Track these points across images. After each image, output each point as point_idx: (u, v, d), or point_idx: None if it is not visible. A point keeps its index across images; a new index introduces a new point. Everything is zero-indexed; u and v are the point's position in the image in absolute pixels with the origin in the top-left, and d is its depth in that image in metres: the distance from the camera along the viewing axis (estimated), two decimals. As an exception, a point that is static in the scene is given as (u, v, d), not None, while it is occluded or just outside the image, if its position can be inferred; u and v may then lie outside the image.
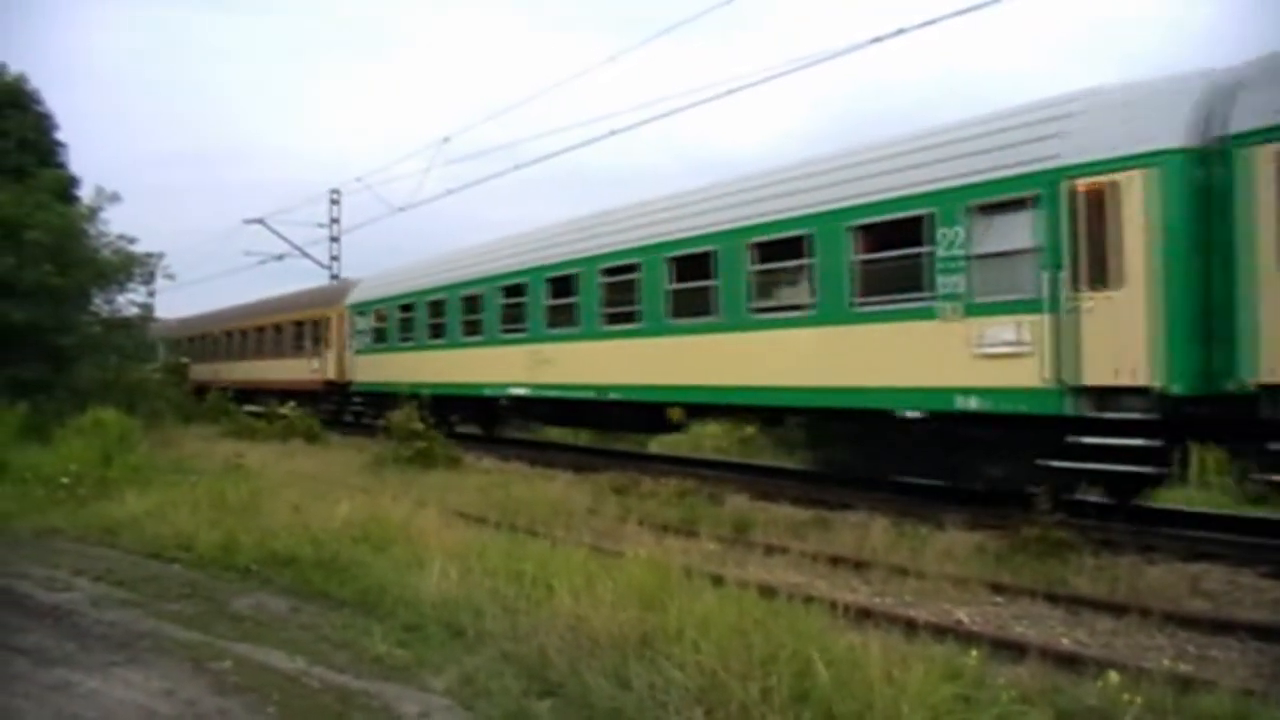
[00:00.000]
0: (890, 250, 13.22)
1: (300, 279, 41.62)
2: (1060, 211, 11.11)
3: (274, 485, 14.82)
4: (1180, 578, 9.59)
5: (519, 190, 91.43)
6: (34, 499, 14.03)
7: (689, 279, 16.59)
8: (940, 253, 12.38)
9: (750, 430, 19.68)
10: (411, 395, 22.08)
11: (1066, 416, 11.02)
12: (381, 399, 25.61)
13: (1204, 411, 10.15)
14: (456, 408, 23.85)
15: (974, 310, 12.03)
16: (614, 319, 18.43)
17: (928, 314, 12.55)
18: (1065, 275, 11.04)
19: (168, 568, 10.87)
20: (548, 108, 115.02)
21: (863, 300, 13.58)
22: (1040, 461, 11.35)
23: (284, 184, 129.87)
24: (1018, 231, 11.56)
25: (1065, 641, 7.92)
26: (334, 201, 39.92)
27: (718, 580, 8.36)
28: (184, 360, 39.60)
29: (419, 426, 19.36)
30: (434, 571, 9.04)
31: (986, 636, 7.52)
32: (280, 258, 41.28)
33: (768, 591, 8.14)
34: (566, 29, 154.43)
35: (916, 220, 12.64)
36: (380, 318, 27.63)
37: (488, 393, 21.99)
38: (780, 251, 14.91)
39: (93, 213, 22.34)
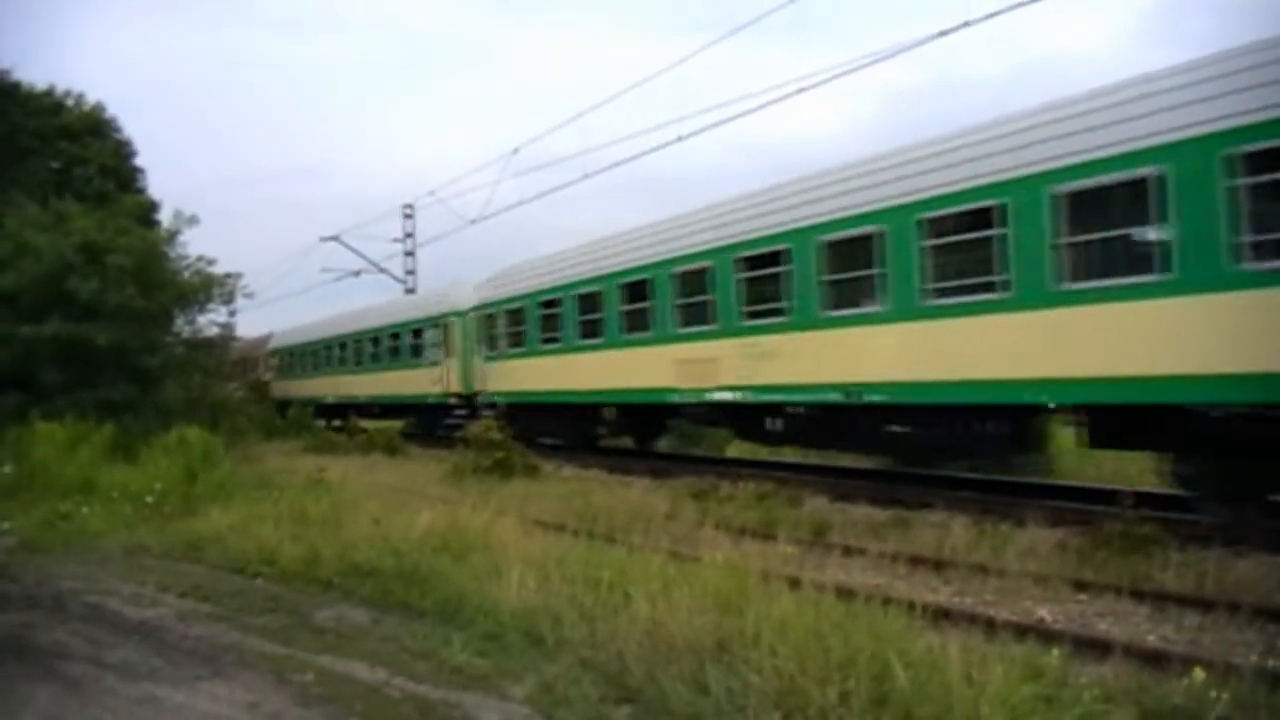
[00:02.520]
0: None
1: (377, 293, 42.16)
2: None
3: (355, 498, 14.98)
4: (1271, 570, 9.35)
5: (590, 197, 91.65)
6: (121, 516, 14.40)
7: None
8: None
9: None
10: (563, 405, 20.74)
11: None
12: (524, 411, 23.79)
13: None
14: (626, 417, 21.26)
15: None
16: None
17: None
18: None
19: (251, 582, 11.05)
20: (617, 114, 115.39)
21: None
22: None
23: (361, 201, 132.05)
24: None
25: (1150, 638, 7.78)
26: (407, 216, 40.48)
27: (794, 583, 8.38)
28: (265, 378, 40.35)
29: (496, 436, 19.47)
30: (513, 580, 9.08)
31: (1069, 635, 7.41)
32: (357, 274, 41.96)
33: (845, 593, 8.11)
34: (636, 33, 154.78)
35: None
36: (516, 317, 24.30)
37: (674, 399, 18.58)
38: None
39: (172, 236, 22.99)
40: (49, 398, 19.21)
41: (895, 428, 14.52)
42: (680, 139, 21.92)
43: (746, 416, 17.04)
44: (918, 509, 13.56)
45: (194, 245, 32.20)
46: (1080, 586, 9.23)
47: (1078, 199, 11.56)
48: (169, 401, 20.97)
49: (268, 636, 8.85)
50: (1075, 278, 11.62)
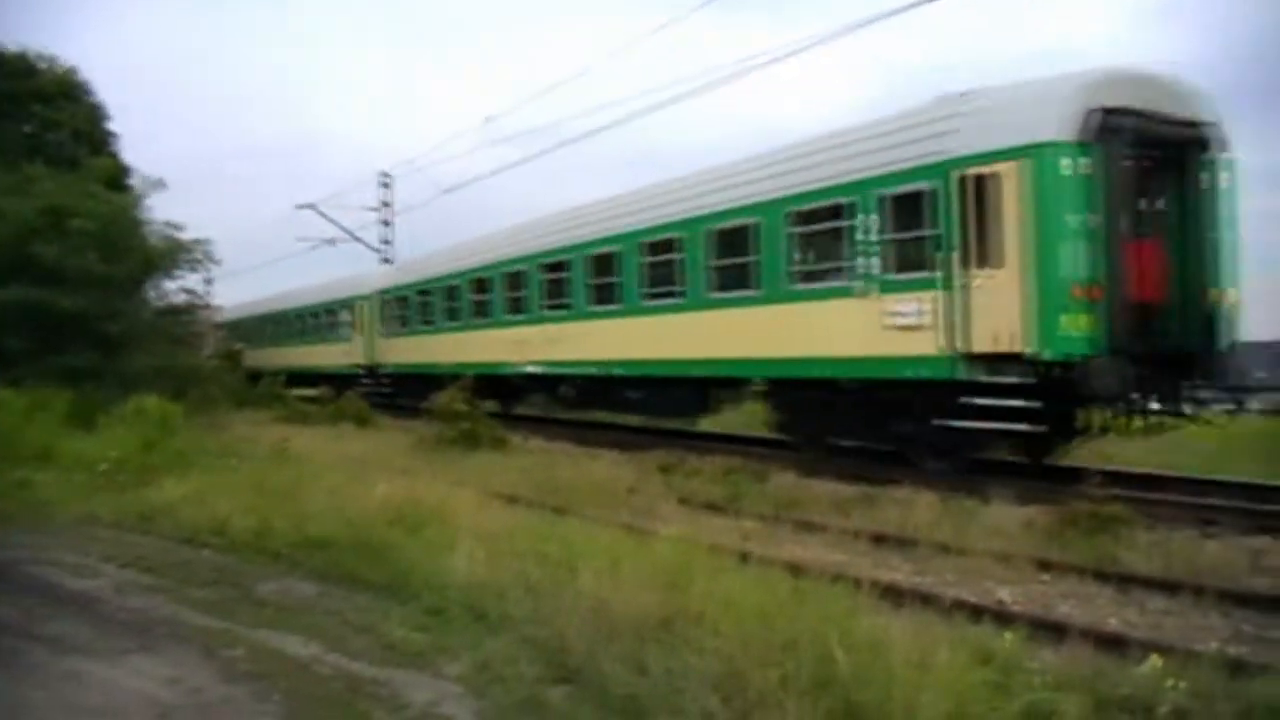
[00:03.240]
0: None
1: (353, 263, 42.01)
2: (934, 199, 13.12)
3: (317, 469, 14.70)
4: (1240, 553, 9.09)
5: (572, 169, 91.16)
6: (76, 485, 14.04)
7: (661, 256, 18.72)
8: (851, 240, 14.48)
9: None
10: (433, 376, 24.61)
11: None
12: (409, 379, 28.14)
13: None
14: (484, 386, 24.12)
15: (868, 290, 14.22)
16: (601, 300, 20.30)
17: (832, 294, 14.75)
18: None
19: (199, 553, 10.79)
20: (594, 84, 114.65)
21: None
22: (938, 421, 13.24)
23: (343, 171, 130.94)
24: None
25: (1112, 621, 7.48)
26: (384, 184, 39.98)
27: (746, 559, 8.12)
28: (238, 347, 40.00)
29: (462, 407, 19.14)
30: (462, 554, 8.83)
31: (1027, 617, 7.11)
32: (333, 242, 41.51)
33: (801, 571, 7.89)
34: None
35: (831, 211, 14.73)
36: (404, 303, 29.47)
37: (503, 371, 23.39)
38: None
39: (137, 200, 22.45)
40: (13, 364, 18.73)
41: (631, 393, 19.81)
42: (660, 107, 21.77)
43: (547, 384, 22.01)
44: (884, 485, 13.30)
45: (177, 215, 31.85)
46: (1044, 566, 8.94)
47: (718, 235, 16.91)
48: (133, 370, 20.50)
49: (205, 609, 8.58)
50: (720, 289, 16.87)
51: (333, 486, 12.67)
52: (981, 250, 12.51)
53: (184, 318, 27.16)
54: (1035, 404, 12.06)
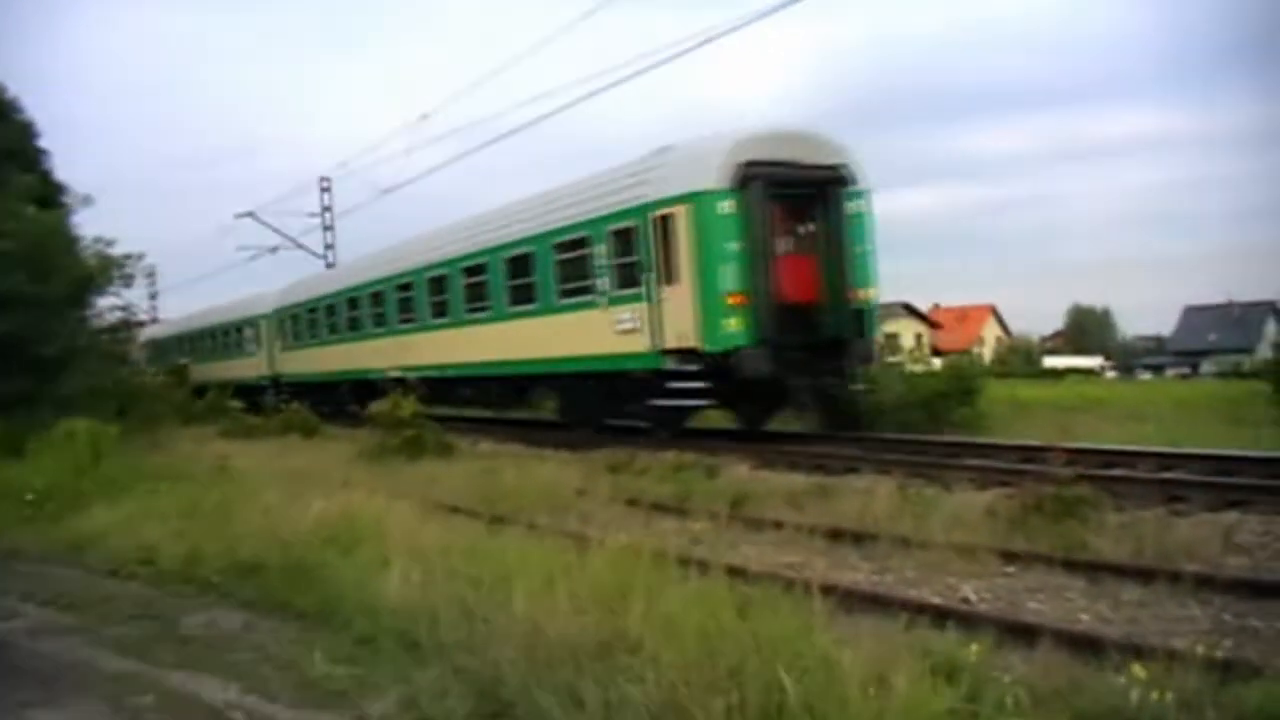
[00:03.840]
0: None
1: (297, 269, 41.44)
2: (645, 233, 16.72)
3: (255, 486, 14.09)
4: (1213, 531, 8.58)
5: (510, 164, 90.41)
6: (0, 517, 13.29)
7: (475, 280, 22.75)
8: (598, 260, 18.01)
9: None
10: (324, 384, 28.85)
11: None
12: (302, 388, 31.41)
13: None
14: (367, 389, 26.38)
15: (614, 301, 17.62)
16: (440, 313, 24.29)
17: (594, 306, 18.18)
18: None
19: (125, 586, 10.20)
20: (529, 74, 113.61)
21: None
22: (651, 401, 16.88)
23: (281, 178, 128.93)
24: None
25: (1085, 618, 6.92)
26: (324, 189, 39.06)
27: (697, 566, 7.53)
28: (183, 361, 39.19)
29: (405, 414, 18.50)
30: (394, 575, 8.27)
31: (994, 618, 6.54)
32: (274, 250, 40.66)
33: (752, 578, 7.34)
34: None
35: (580, 241, 18.50)
36: (295, 320, 33.42)
37: (371, 376, 25.85)
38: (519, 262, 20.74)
39: (66, 217, 21.42)
40: (-64, 394, 17.83)
41: (463, 390, 23.27)
42: (593, 95, 21.65)
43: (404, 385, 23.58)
44: (842, 474, 12.97)
45: (112, 230, 31.19)
46: (1009, 557, 8.40)
47: (511, 261, 20.92)
48: (70, 392, 19.61)
49: (122, 650, 7.94)
50: (514, 304, 20.73)
51: (268, 505, 12.14)
52: (668, 271, 16.18)
53: (120, 335, 26.20)
54: (709, 385, 15.96)
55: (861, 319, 16.27)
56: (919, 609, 6.78)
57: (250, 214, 38.91)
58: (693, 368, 15.90)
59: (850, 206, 16.32)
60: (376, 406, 19.44)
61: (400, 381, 22.70)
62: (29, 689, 7.12)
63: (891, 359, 23.11)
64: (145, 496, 13.53)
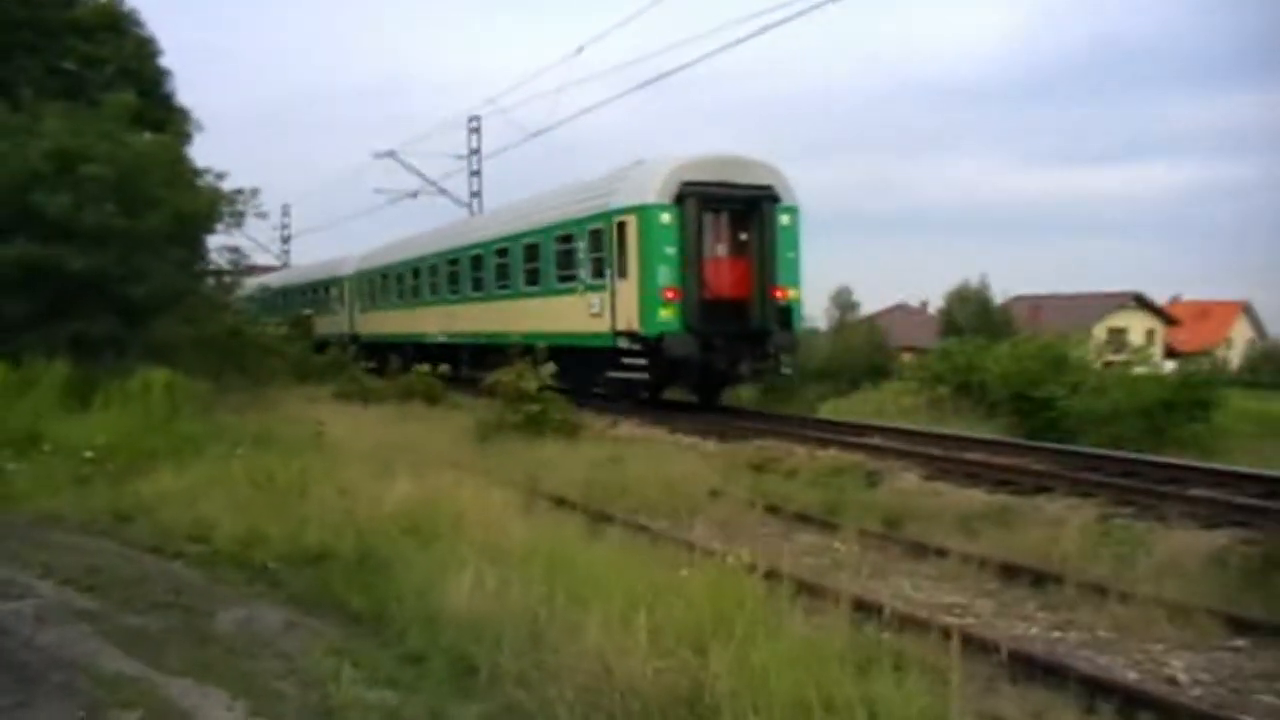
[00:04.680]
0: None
1: (439, 215, 42.14)
2: (608, 235, 21.70)
3: (348, 457, 14.05)
4: None
5: (676, 108, 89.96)
6: (52, 476, 13.18)
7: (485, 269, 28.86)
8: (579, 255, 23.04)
9: (943, 390, 24.32)
10: (390, 344, 33.95)
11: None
12: (375, 347, 36.21)
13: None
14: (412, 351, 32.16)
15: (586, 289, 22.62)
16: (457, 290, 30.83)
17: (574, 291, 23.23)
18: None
19: (164, 566, 9.83)
20: (694, 8, 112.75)
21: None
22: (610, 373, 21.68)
23: (424, 116, 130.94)
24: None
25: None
26: (473, 130, 39.10)
27: (826, 598, 6.73)
28: (307, 313, 39.87)
29: (530, 385, 18.09)
30: (465, 580, 7.76)
31: (1208, 716, 5.47)
32: (415, 195, 40.87)
33: (893, 619, 6.48)
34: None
35: (568, 237, 23.62)
36: (371, 284, 38.88)
37: (426, 340, 32.22)
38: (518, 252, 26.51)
39: (168, 144, 21.62)
40: (13, 332, 18.09)
41: (493, 357, 24.83)
42: (765, 29, 20.62)
43: (445, 349, 30.56)
44: (1031, 494, 12.10)
45: (240, 171, 32.09)
46: (1239, 626, 7.18)
47: (525, 249, 26.02)
48: (163, 340, 19.80)
49: (131, 646, 7.50)
50: (527, 285, 25.96)
51: (349, 483, 11.82)
52: (621, 267, 21.15)
53: (226, 280, 26.56)
54: (645, 362, 20.63)
55: (786, 314, 21.13)
56: (1106, 688, 5.76)
57: (390, 153, 39.16)
58: (636, 347, 20.84)
59: (780, 220, 21.19)
60: (497, 376, 19.04)
61: (449, 348, 30.19)
62: (7, 690, 6.77)
63: (1113, 357, 21.89)
64: (219, 461, 13.25)
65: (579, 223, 22.95)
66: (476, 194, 39.26)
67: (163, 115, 24.51)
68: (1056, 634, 7.45)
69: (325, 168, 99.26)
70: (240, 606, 8.52)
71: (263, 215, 27.41)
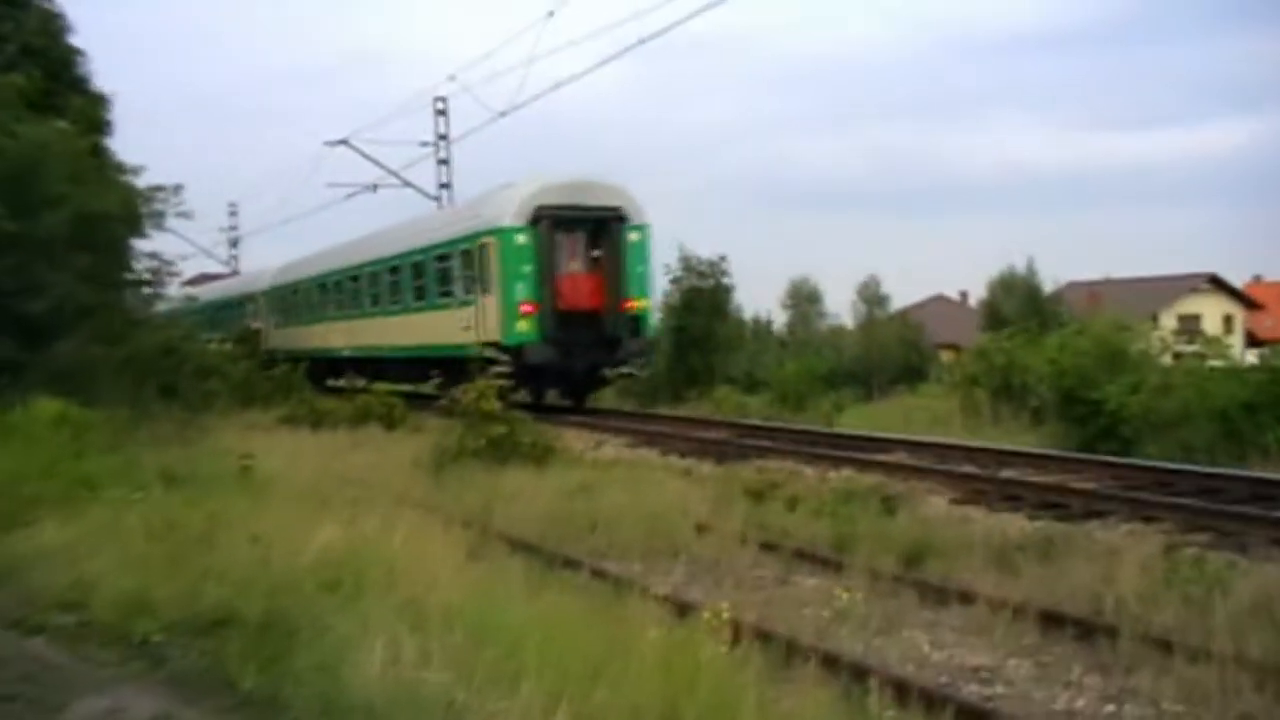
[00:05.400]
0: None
1: (404, 208, 42.48)
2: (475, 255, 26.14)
3: (275, 496, 13.65)
4: None
5: (698, 74, 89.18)
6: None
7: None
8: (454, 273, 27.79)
9: (981, 394, 24.54)
10: (294, 359, 35.12)
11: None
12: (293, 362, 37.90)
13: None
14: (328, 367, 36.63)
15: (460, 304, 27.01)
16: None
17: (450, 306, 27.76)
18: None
19: (21, 644, 9.07)
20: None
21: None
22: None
23: (385, 96, 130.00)
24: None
25: None
26: (439, 112, 38.32)
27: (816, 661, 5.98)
28: (255, 326, 39.51)
29: (493, 407, 17.39)
30: (377, 652, 7.17)
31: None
32: (373, 188, 40.32)
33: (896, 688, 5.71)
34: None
35: (445, 256, 28.41)
36: (282, 300, 42.88)
37: (333, 355, 36.30)
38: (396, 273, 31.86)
39: (73, 135, 20.73)
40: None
41: (392, 370, 31.17)
42: None
43: (342, 360, 35.43)
44: (1081, 520, 11.63)
45: (182, 167, 32.04)
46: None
47: (412, 267, 30.76)
48: (70, 363, 19.05)
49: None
50: (415, 300, 30.74)
51: (268, 528, 11.16)
52: (485, 284, 25.26)
53: (147, 291, 25.81)
54: (509, 370, 21.40)
55: (636, 322, 25.32)
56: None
57: (343, 141, 38.44)
58: (502, 357, 23.55)
59: (629, 237, 25.28)
60: (461, 394, 18.64)
61: (354, 361, 34.51)
62: None
63: (1183, 348, 21.32)
64: (117, 507, 12.61)
65: (453, 243, 27.81)
66: (446, 185, 38.76)
67: (74, 101, 23.72)
68: (1109, 708, 6.65)
69: (279, 160, 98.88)
70: (103, 695, 7.78)
71: (185, 215, 27.05)
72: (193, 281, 57.84)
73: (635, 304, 25.11)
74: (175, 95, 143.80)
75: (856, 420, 24.38)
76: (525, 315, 24.16)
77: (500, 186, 26.98)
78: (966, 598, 8.88)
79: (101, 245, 21.22)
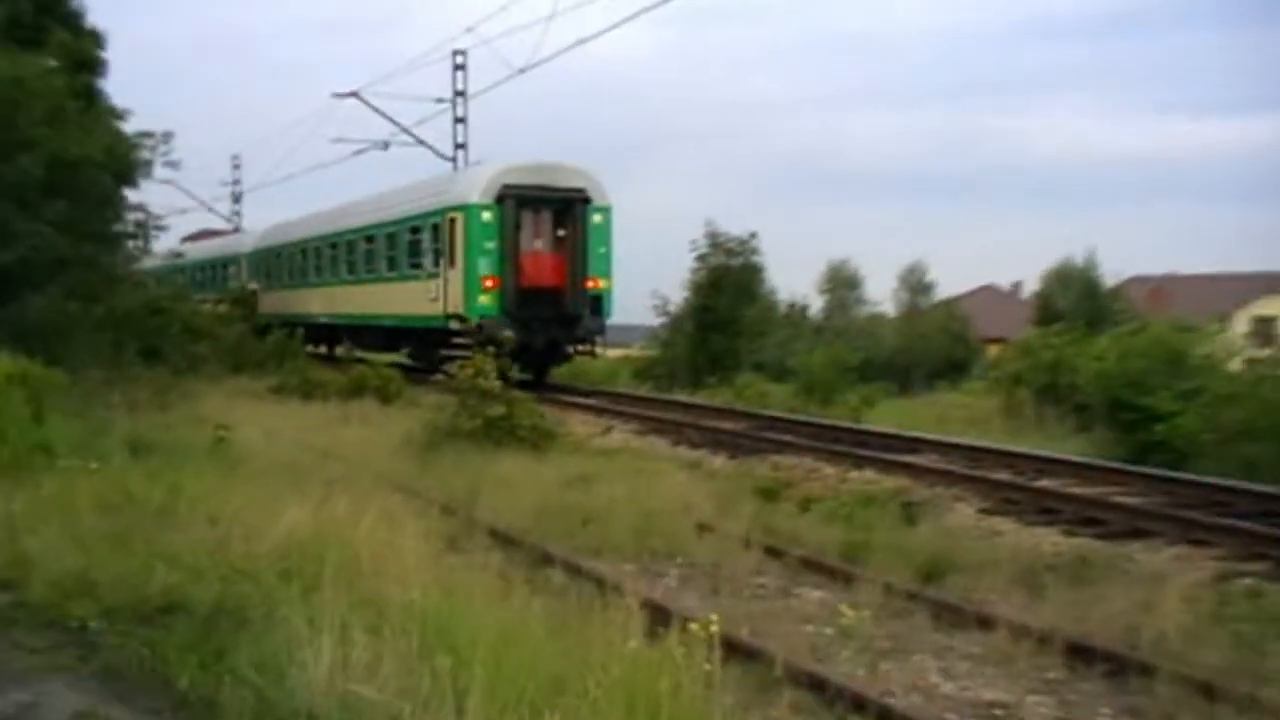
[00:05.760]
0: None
1: (415, 168, 43.44)
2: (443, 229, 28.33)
3: (251, 472, 13.63)
4: None
5: (741, 42, 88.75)
6: None
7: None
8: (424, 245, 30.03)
9: (1024, 394, 24.58)
10: (287, 323, 37.00)
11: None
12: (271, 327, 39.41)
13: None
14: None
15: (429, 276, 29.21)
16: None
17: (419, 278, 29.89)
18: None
19: (-59, 627, 8.95)
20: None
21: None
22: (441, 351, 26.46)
23: (398, 48, 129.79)
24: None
25: None
26: (458, 67, 37.90)
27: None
28: (250, 287, 39.51)
29: (493, 384, 17.12)
30: (331, 644, 6.86)
31: None
32: (385, 145, 39.86)
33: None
34: None
35: (417, 229, 30.54)
36: (266, 263, 45.45)
37: (314, 320, 38.20)
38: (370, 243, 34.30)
39: (45, 69, 20.36)
40: None
41: (368, 337, 34.57)
42: None
43: (320, 327, 37.60)
44: (1122, 539, 11.34)
45: (185, 116, 32.19)
46: None
47: (386, 238, 33.39)
48: (38, 320, 18.76)
49: None
50: (387, 270, 33.04)
51: (233, 508, 10.90)
52: (451, 258, 27.42)
53: (131, 245, 25.63)
54: (470, 342, 22.96)
55: (597, 301, 27.39)
56: None
57: (354, 94, 37.86)
58: (462, 329, 26.40)
59: (592, 218, 27.51)
60: (456, 369, 18.69)
61: (330, 328, 37.15)
62: None
63: (1256, 353, 20.97)
64: (72, 477, 12.39)
65: (424, 216, 30.08)
66: (462, 145, 38.26)
67: (57, 36, 23.48)
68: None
69: (290, 113, 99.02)
70: (26, 687, 7.56)
71: (173, 165, 27.59)
72: (194, 237, 58.10)
73: (597, 283, 27.51)
74: (191, 37, 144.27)
75: (887, 417, 24.27)
76: (487, 290, 26.48)
77: (472, 165, 31.97)
78: (986, 622, 8.54)
79: (81, 193, 20.98)
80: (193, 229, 62.04)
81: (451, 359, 24.46)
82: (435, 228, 28.75)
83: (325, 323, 37.33)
